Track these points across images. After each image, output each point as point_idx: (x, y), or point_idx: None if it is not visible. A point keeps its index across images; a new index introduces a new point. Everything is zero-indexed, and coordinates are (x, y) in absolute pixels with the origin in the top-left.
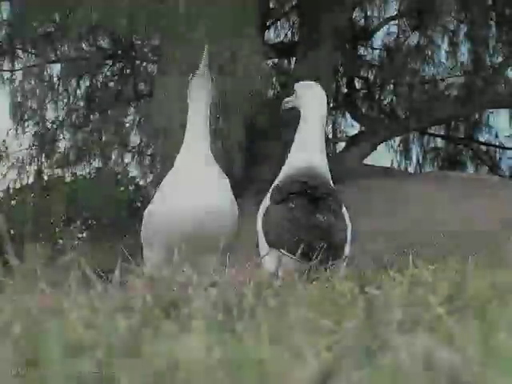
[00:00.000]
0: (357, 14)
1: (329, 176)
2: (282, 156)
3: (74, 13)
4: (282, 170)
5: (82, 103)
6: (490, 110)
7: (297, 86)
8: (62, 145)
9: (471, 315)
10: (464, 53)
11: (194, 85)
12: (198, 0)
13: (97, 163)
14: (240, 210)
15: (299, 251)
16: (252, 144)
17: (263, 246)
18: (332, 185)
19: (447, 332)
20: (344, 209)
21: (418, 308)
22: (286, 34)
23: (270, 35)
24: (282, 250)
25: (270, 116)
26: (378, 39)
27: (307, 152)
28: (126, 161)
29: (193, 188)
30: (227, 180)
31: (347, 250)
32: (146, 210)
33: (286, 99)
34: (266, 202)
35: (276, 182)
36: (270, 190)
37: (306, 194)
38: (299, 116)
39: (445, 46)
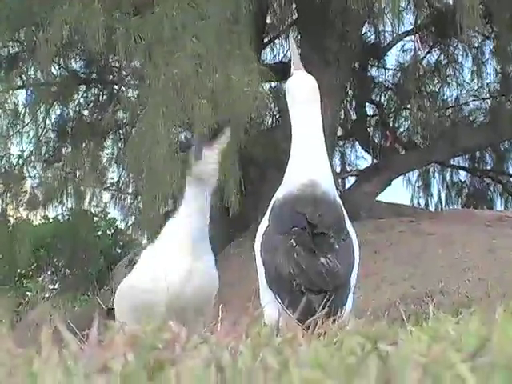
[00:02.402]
0: (367, 29)
1: (334, 192)
2: None
3: (42, 31)
4: (283, 183)
5: (52, 135)
6: None
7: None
8: (30, 183)
9: (498, 374)
10: (490, 72)
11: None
12: (185, 16)
13: (70, 203)
14: (237, 253)
15: (299, 308)
16: (249, 178)
17: (264, 287)
18: (338, 200)
19: None
20: (354, 239)
21: (438, 366)
22: (286, 54)
23: (267, 54)
24: (282, 305)
25: (268, 147)
26: (392, 58)
27: (307, 165)
28: (104, 200)
29: (173, 270)
30: (212, 257)
31: (351, 295)
32: (120, 285)
33: None
34: (265, 221)
35: (276, 198)
36: (271, 204)
37: (307, 229)
38: None
39: (468, 65)
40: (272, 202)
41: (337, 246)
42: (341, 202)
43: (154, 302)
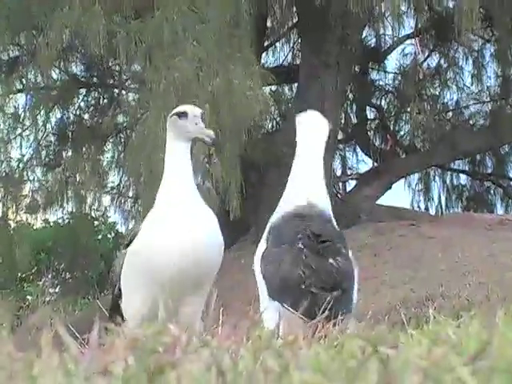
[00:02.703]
0: (367, 32)
1: (330, 213)
2: (281, 197)
3: (42, 35)
4: (279, 206)
5: (52, 138)
6: None
7: (297, 119)
8: (31, 186)
9: (498, 378)
10: (491, 76)
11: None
12: (185, 19)
13: (70, 207)
14: (237, 256)
15: (304, 305)
16: (249, 182)
17: (264, 297)
18: (334, 222)
19: None
20: (350, 254)
21: (439, 370)
22: (287, 57)
23: (268, 58)
24: (284, 305)
25: (268, 151)
26: (392, 61)
27: (305, 188)
28: (105, 204)
29: (178, 226)
30: (212, 213)
31: (355, 300)
32: (128, 250)
33: None
34: (263, 244)
35: (272, 221)
36: (267, 229)
37: (311, 238)
38: None
39: (469, 68)
40: (268, 226)
41: (344, 251)
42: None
43: (165, 262)
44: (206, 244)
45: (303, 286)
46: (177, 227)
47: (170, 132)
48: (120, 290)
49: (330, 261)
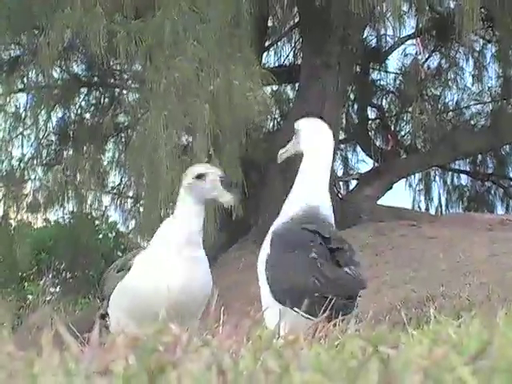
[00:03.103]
0: (368, 32)
1: (332, 219)
2: (282, 197)
3: (43, 34)
4: (282, 211)
5: (53, 138)
6: None
7: (299, 125)
8: (32, 186)
9: (499, 378)
10: (492, 76)
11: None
12: (186, 19)
13: (71, 207)
14: (238, 256)
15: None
16: (251, 182)
17: (267, 301)
18: (335, 228)
19: None
20: (358, 258)
21: (439, 369)
22: (288, 57)
23: (269, 58)
24: (295, 309)
25: (269, 151)
26: (393, 62)
27: (310, 194)
28: (105, 204)
29: (169, 272)
30: (207, 262)
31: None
32: (118, 286)
33: (283, 150)
34: (267, 249)
35: (276, 226)
36: (270, 234)
37: (322, 244)
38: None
39: (469, 69)
40: (272, 230)
41: (355, 258)
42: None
43: (153, 303)
44: (194, 293)
45: (317, 294)
46: (168, 273)
47: (186, 195)
48: (106, 312)
49: (346, 269)
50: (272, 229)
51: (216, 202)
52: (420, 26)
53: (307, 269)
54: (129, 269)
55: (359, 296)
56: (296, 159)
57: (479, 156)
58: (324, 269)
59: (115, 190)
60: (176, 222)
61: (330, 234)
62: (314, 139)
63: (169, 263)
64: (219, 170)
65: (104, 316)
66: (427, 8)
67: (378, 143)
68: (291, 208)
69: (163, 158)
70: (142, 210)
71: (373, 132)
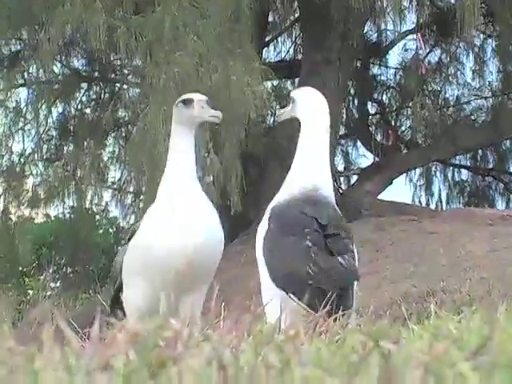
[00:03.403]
0: (369, 27)
1: (333, 199)
2: None
3: (44, 29)
4: (283, 187)
5: (53, 133)
6: None
7: (294, 93)
8: (32, 181)
9: (499, 373)
10: (492, 71)
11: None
12: (186, 15)
13: (72, 202)
14: (239, 251)
15: (310, 298)
16: (250, 177)
17: (266, 283)
18: (337, 208)
19: None
20: (353, 247)
21: (440, 364)
22: (288, 52)
23: (269, 53)
24: (289, 294)
25: (269, 145)
26: (394, 56)
27: (310, 170)
28: (106, 199)
29: (178, 221)
30: (212, 207)
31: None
32: (129, 244)
33: (282, 110)
34: (264, 227)
35: (276, 201)
36: (268, 210)
37: (318, 231)
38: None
39: (470, 64)
40: (271, 206)
41: (351, 246)
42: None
43: (167, 257)
44: (206, 239)
45: (311, 282)
46: (177, 223)
47: (176, 122)
48: (121, 283)
49: (339, 259)
50: (271, 205)
51: (206, 120)
52: (421, 20)
53: (302, 257)
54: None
55: (357, 290)
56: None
57: (480, 151)
58: (317, 258)
59: (116, 185)
60: (169, 171)
61: (329, 219)
62: (309, 108)
63: (168, 217)
64: (204, 96)
65: (115, 299)
66: (428, 3)
67: (378, 138)
68: (291, 186)
69: (163, 153)
70: (142, 205)
71: (373, 127)
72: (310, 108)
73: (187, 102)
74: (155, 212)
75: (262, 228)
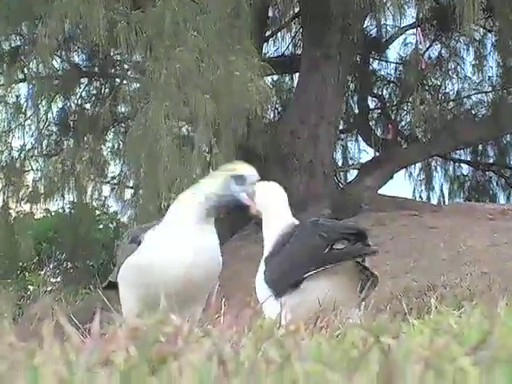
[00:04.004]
0: (369, 22)
1: None
2: (282, 187)
3: (43, 24)
4: (265, 235)
5: (54, 128)
6: None
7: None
8: (32, 176)
9: (500, 368)
10: (492, 66)
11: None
12: (186, 10)
13: (72, 197)
14: (239, 246)
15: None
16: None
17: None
18: None
19: None
20: None
21: (440, 359)
22: (288, 47)
23: (270, 48)
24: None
25: (270, 140)
26: (394, 51)
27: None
28: (106, 194)
29: (180, 247)
30: (216, 237)
31: None
32: (127, 261)
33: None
34: (261, 273)
35: (268, 250)
36: (263, 262)
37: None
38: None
39: (470, 58)
40: (265, 257)
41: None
42: None
43: (162, 279)
44: (204, 269)
45: (327, 250)
46: (179, 249)
47: (214, 189)
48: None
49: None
50: (264, 257)
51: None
52: (420, 15)
53: (310, 235)
54: (139, 243)
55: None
56: (295, 153)
57: (480, 145)
58: (326, 223)
59: (115, 180)
60: (193, 198)
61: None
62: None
63: (180, 237)
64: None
65: (111, 285)
66: None
67: (378, 133)
68: (279, 225)
69: (164, 149)
70: (141, 200)
71: (373, 122)
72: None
73: (238, 179)
74: (158, 233)
75: (260, 272)
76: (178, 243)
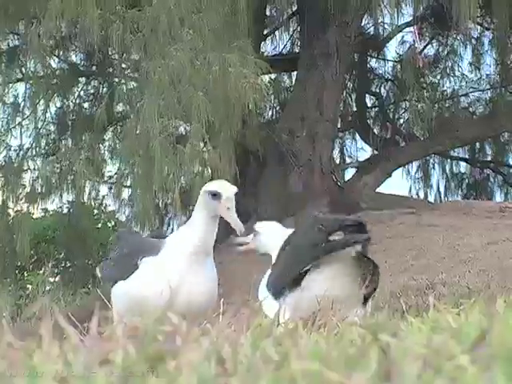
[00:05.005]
0: (366, 21)
1: None
2: (281, 186)
3: (41, 23)
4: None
5: (51, 128)
6: None
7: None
8: (30, 176)
9: (498, 365)
10: (490, 64)
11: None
12: (182, 8)
13: (70, 196)
14: (235, 249)
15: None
16: (249, 170)
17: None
18: None
19: None
20: None
21: (439, 357)
22: (286, 45)
23: (268, 46)
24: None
25: (268, 139)
26: (391, 49)
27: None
28: (104, 193)
29: (175, 279)
30: (215, 272)
31: None
32: (119, 285)
33: (239, 240)
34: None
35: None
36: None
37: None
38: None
39: (468, 56)
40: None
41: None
42: None
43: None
44: (199, 303)
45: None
46: (173, 281)
47: (200, 208)
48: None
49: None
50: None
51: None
52: (417, 13)
53: (309, 229)
54: (134, 268)
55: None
56: (294, 151)
57: (478, 143)
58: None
59: (113, 179)
60: (190, 231)
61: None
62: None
63: (175, 270)
64: (234, 188)
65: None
66: None
67: (376, 131)
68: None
69: (158, 147)
70: (138, 199)
71: (371, 120)
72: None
73: (214, 196)
74: (155, 263)
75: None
76: (170, 275)
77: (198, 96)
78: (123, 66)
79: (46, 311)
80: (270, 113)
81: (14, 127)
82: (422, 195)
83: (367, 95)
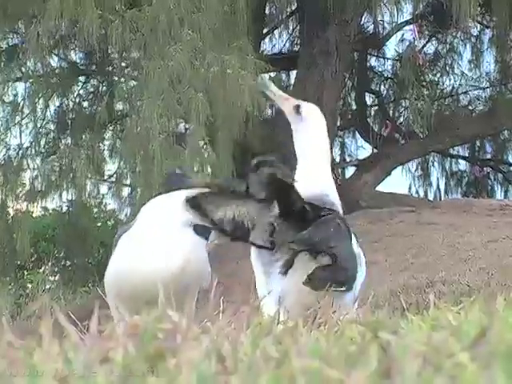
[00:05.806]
0: (366, 19)
1: (339, 206)
2: None
3: (40, 22)
4: None
5: (51, 126)
6: None
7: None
8: (29, 175)
9: (498, 363)
10: (489, 61)
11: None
12: (181, 8)
13: (70, 195)
14: (235, 243)
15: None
16: (245, 174)
17: (261, 282)
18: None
19: (470, 381)
20: (354, 240)
21: (439, 355)
22: (285, 44)
23: (267, 45)
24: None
25: (267, 138)
26: (391, 47)
27: (317, 177)
28: (104, 192)
29: (156, 248)
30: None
31: (357, 285)
32: (108, 271)
33: (272, 89)
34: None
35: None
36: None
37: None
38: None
39: (467, 54)
40: None
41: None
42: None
43: (136, 291)
44: (183, 270)
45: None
46: (152, 254)
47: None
48: None
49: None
50: None
51: None
52: (417, 11)
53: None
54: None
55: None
56: (293, 150)
57: (478, 141)
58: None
59: (113, 178)
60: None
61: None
62: (315, 132)
63: (154, 240)
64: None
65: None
66: None
67: (376, 129)
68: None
69: (158, 147)
70: (138, 198)
71: (371, 118)
72: (315, 127)
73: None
74: (130, 238)
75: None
76: (151, 249)
77: (198, 96)
78: (123, 64)
79: (46, 310)
80: (270, 111)
81: (14, 126)
82: (421, 193)
83: (367, 93)
